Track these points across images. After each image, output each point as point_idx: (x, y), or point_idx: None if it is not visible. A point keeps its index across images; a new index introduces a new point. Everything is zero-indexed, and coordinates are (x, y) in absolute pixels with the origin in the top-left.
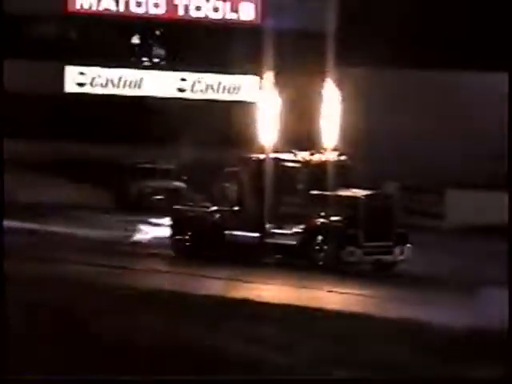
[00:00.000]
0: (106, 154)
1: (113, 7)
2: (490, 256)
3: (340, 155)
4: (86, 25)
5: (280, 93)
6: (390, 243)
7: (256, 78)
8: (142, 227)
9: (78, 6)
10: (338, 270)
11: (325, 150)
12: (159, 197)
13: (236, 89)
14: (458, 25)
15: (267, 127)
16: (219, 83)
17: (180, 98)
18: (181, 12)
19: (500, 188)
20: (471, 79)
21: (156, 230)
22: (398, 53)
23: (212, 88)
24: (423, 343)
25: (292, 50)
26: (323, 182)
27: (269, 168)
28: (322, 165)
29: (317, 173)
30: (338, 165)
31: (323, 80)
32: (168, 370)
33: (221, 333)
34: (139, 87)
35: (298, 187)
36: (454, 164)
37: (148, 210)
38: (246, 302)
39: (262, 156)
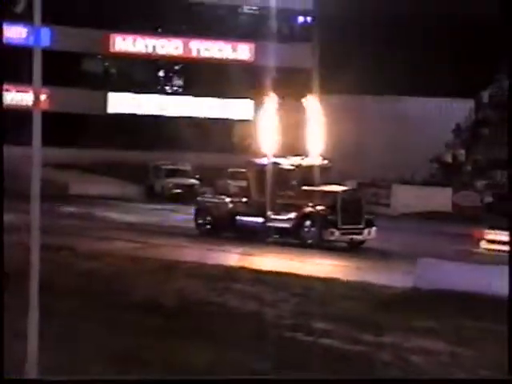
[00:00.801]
0: (138, 159)
1: (143, 49)
2: (427, 234)
3: (323, 159)
4: (124, 62)
5: (275, 113)
6: (361, 226)
7: (250, 102)
8: (169, 213)
9: (117, 49)
10: (322, 247)
11: (311, 155)
12: (178, 190)
13: (234, 110)
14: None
15: (267, 139)
16: (222, 105)
17: (193, 117)
18: (194, 53)
19: (433, 184)
20: (416, 103)
21: (180, 216)
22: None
23: (216, 109)
24: (374, 299)
25: (280, 81)
26: (311, 179)
27: (269, 169)
28: (310, 167)
29: (306, 173)
30: (322, 167)
31: (308, 104)
32: (179, 319)
33: (223, 292)
34: (163, 109)
35: (291, 184)
36: (399, 166)
37: (170, 200)
38: (243, 269)
39: (264, 160)
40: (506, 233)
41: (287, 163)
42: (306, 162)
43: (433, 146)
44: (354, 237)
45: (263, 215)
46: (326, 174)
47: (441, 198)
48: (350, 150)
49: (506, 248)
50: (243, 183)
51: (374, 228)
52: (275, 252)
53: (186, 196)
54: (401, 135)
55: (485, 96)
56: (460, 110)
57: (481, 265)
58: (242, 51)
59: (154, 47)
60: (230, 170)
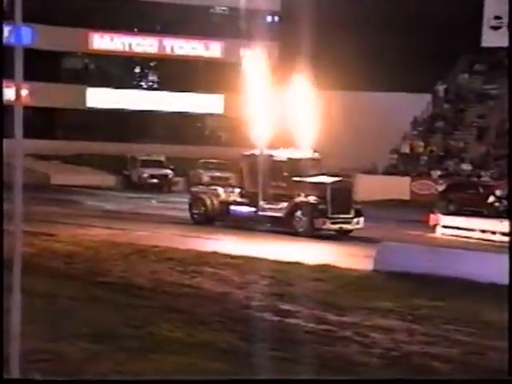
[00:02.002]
0: (116, 150)
1: (120, 47)
2: (388, 220)
3: (313, 152)
4: (102, 59)
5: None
6: (350, 216)
7: (221, 97)
8: (144, 201)
9: (95, 46)
10: (313, 235)
11: (302, 148)
12: (154, 180)
13: (206, 104)
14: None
15: (260, 132)
16: (194, 100)
17: (168, 111)
18: (168, 50)
19: (393, 173)
20: (376, 97)
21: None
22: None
23: (189, 103)
24: (340, 280)
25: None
26: (302, 171)
27: (262, 161)
28: (301, 159)
29: (297, 164)
30: (312, 159)
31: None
32: (152, 301)
33: (198, 275)
34: (139, 103)
35: (283, 175)
36: (361, 157)
37: (145, 189)
38: (215, 254)
39: (257, 152)
40: (460, 218)
41: (279, 155)
42: (297, 154)
43: (393, 138)
44: (344, 226)
45: (256, 205)
46: (317, 165)
47: (400, 187)
48: (315, 142)
49: (459, 233)
50: (216, 173)
51: (361, 218)
52: (268, 239)
53: (161, 185)
54: (363, 128)
55: (441, 91)
56: (418, 103)
57: (436, 248)
58: (214, 49)
59: (130, 45)
60: (202, 160)
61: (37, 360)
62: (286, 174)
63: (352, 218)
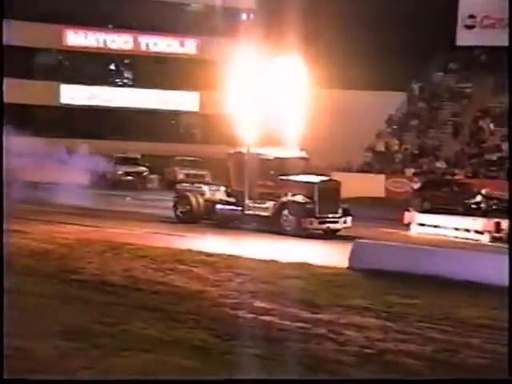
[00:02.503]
0: (91, 147)
1: (95, 44)
2: (363, 218)
3: (301, 151)
4: (77, 55)
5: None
6: (338, 215)
7: (196, 94)
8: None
9: (70, 43)
10: (300, 235)
11: (290, 146)
12: (129, 177)
13: (181, 102)
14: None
15: (247, 130)
16: (169, 97)
17: (143, 108)
18: (143, 47)
19: (368, 171)
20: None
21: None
22: None
23: (165, 101)
24: (315, 278)
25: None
26: (289, 170)
27: (249, 159)
28: (288, 158)
29: (284, 163)
30: (299, 158)
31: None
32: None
33: (172, 273)
34: (114, 100)
35: (270, 174)
36: (338, 156)
37: (121, 186)
38: (190, 252)
39: (244, 150)
40: (434, 216)
41: (266, 154)
42: (284, 153)
43: (368, 136)
44: (331, 225)
45: (242, 204)
46: (304, 164)
47: (375, 185)
48: (290, 140)
49: (433, 231)
50: (192, 170)
51: (349, 217)
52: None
53: (136, 183)
54: (337, 126)
55: (415, 89)
56: (393, 102)
57: (410, 246)
58: (189, 46)
59: (104, 41)
60: (177, 158)
61: (8, 357)
62: (273, 172)
63: (340, 218)
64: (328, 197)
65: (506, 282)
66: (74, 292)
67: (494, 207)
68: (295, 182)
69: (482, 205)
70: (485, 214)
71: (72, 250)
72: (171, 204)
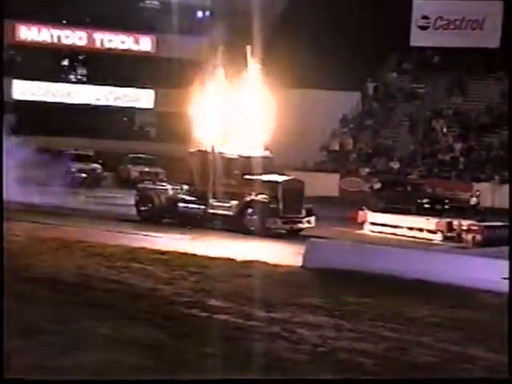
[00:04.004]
0: (42, 144)
1: (48, 39)
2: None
3: (265, 150)
4: (30, 51)
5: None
6: (301, 215)
7: (151, 92)
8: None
9: (23, 38)
10: (264, 234)
11: (253, 145)
12: (82, 175)
13: (135, 99)
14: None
15: (209, 129)
16: (124, 94)
17: (96, 105)
18: (98, 44)
19: (322, 170)
20: (307, 95)
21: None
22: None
23: (119, 98)
24: (268, 277)
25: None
26: (253, 169)
27: (213, 158)
28: (252, 157)
29: (248, 162)
30: (264, 157)
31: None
32: (79, 296)
33: (125, 271)
34: (67, 96)
35: (234, 173)
36: (293, 155)
37: (73, 184)
38: (143, 250)
39: (207, 149)
40: (388, 215)
41: (230, 152)
42: (248, 152)
43: (322, 136)
44: (295, 225)
45: (205, 203)
46: (268, 164)
47: (329, 184)
48: (245, 138)
49: (387, 230)
50: (145, 168)
51: (313, 217)
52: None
53: (89, 180)
54: (292, 125)
55: (370, 88)
56: (347, 101)
57: (363, 245)
58: (144, 43)
59: (58, 37)
60: (131, 155)
61: None
62: (236, 171)
63: (303, 218)
64: (292, 196)
65: (458, 281)
66: (25, 290)
67: (446, 207)
68: (259, 181)
69: (437, 205)
70: (438, 213)
71: (23, 248)
72: (125, 202)
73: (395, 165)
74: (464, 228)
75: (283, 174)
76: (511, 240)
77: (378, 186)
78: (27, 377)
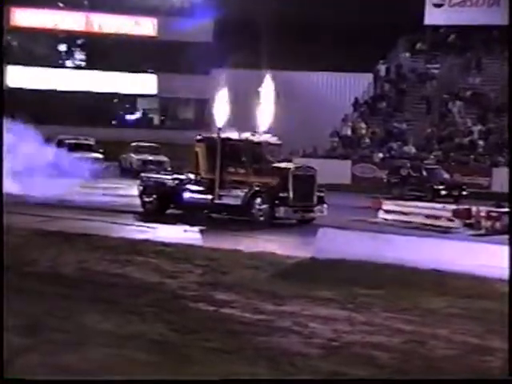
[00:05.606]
0: (42, 133)
1: (44, 23)
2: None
3: (273, 136)
4: (25, 36)
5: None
6: (312, 203)
7: (154, 77)
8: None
9: (17, 22)
10: (273, 224)
11: (261, 131)
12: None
13: (138, 84)
14: None
15: (218, 114)
16: (125, 80)
17: (96, 91)
18: (96, 28)
19: (334, 157)
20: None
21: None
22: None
23: (120, 83)
24: (278, 268)
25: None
26: (262, 156)
27: (220, 145)
28: (261, 143)
29: (257, 149)
30: (273, 144)
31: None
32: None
33: (128, 264)
34: (65, 83)
35: (242, 160)
36: (303, 141)
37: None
38: (146, 242)
39: (214, 135)
40: (403, 202)
41: (239, 139)
42: (256, 138)
43: (333, 120)
44: (306, 214)
45: (212, 192)
46: (278, 151)
47: (341, 171)
48: (252, 124)
49: (402, 218)
50: (149, 157)
51: (325, 205)
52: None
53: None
54: (302, 110)
55: (382, 70)
56: (359, 84)
57: (376, 234)
58: (145, 26)
59: (54, 21)
60: (134, 144)
61: None
62: (244, 159)
63: (315, 206)
64: (303, 184)
65: (474, 270)
66: (27, 284)
67: (463, 193)
68: (268, 169)
69: (454, 191)
70: (456, 200)
71: (25, 241)
72: (128, 192)
73: (410, 150)
74: (483, 215)
75: (293, 161)
76: (511, 229)
77: (405, 172)
78: (28, 376)
